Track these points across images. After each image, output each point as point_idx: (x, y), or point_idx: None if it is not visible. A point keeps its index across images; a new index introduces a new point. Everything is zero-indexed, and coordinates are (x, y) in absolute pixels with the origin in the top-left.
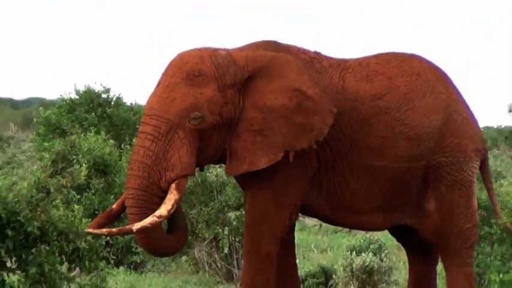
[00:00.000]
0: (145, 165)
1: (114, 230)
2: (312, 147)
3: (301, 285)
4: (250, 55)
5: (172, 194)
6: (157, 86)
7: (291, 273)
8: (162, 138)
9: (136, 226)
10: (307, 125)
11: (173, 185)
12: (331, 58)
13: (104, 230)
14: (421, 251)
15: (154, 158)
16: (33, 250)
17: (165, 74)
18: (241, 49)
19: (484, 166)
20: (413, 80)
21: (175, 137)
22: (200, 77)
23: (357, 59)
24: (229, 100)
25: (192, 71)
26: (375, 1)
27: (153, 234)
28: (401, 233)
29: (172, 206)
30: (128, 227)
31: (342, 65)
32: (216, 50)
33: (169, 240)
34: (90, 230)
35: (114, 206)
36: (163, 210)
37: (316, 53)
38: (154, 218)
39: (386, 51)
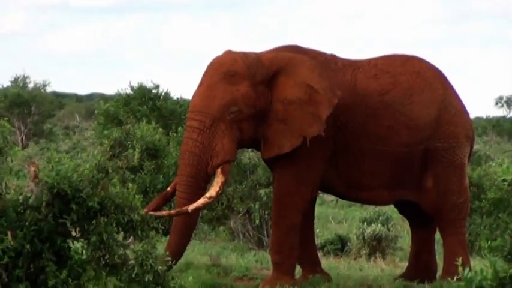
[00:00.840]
0: (194, 155)
1: (172, 212)
2: (321, 133)
3: (321, 251)
4: (273, 56)
5: (219, 177)
6: (199, 86)
7: (310, 241)
8: (206, 130)
9: (191, 207)
10: (316, 114)
11: (219, 170)
12: (344, 59)
13: (165, 213)
14: (422, 222)
15: (202, 148)
16: (94, 222)
17: (205, 75)
18: (266, 52)
19: (469, 152)
20: (414, 78)
21: (218, 128)
22: (235, 76)
23: (367, 59)
24: (260, 94)
25: (228, 71)
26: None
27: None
28: (404, 207)
29: (220, 188)
30: (184, 208)
31: (354, 65)
32: (246, 53)
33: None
34: (151, 213)
35: (168, 189)
36: (213, 192)
37: (331, 55)
38: (206, 199)
39: (391, 52)
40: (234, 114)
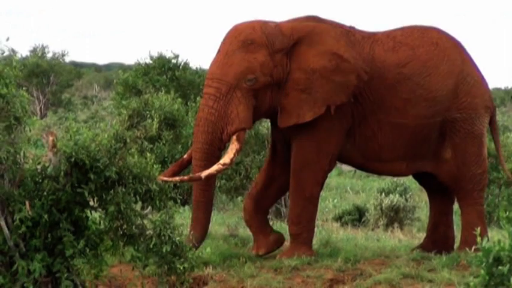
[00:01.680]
0: (210, 122)
1: (185, 177)
2: (349, 101)
3: (339, 221)
4: (294, 25)
5: (233, 144)
6: (217, 53)
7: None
8: (222, 97)
9: (205, 173)
10: (344, 82)
11: (234, 137)
12: (362, 31)
13: (177, 178)
14: (440, 192)
15: (217, 115)
16: (112, 191)
17: (223, 43)
18: (286, 21)
19: (492, 122)
20: (432, 50)
21: (234, 96)
22: (253, 45)
23: (385, 31)
24: (278, 63)
25: (246, 39)
26: None
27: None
28: (423, 178)
29: (234, 155)
30: (197, 174)
31: (372, 37)
32: (266, 22)
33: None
34: (165, 179)
35: (185, 156)
36: (227, 158)
37: (350, 27)
38: (220, 166)
39: (410, 24)
40: (250, 82)
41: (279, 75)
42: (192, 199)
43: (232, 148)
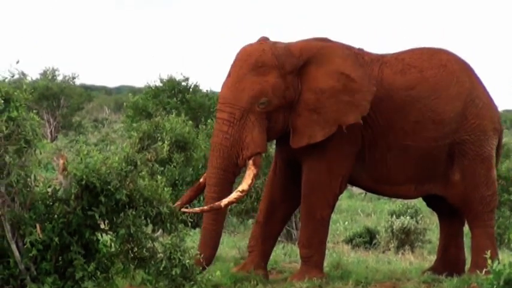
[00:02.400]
0: (225, 147)
1: (205, 208)
2: (359, 123)
3: (350, 244)
4: (303, 46)
5: (250, 169)
6: (228, 77)
7: (274, 233)
8: (237, 122)
9: (224, 202)
10: (353, 102)
11: (250, 162)
12: (371, 53)
13: (197, 209)
14: (450, 215)
15: (232, 140)
16: (122, 214)
17: (233, 67)
18: (295, 42)
19: (498, 145)
20: (441, 72)
21: (248, 120)
22: (264, 67)
23: (393, 54)
24: (290, 84)
25: (257, 62)
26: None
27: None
28: (432, 200)
29: (252, 180)
30: (217, 204)
31: (381, 59)
32: (275, 43)
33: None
34: (185, 210)
35: (201, 180)
36: (245, 185)
37: (359, 49)
38: (239, 193)
39: (419, 46)
40: (263, 105)
41: (291, 96)
42: (202, 223)
43: (250, 174)
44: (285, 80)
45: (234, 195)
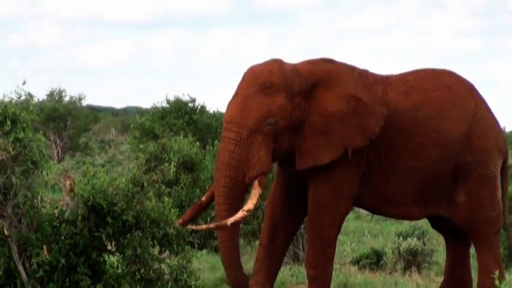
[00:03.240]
0: (232, 166)
1: (211, 225)
2: (367, 145)
3: (356, 265)
4: (312, 68)
5: (256, 189)
6: (235, 97)
7: (280, 255)
8: (243, 142)
9: (230, 221)
10: (362, 126)
11: (256, 182)
12: (376, 74)
13: (204, 226)
14: (456, 236)
15: (239, 159)
16: (129, 235)
17: (240, 87)
18: (303, 63)
19: (504, 166)
20: (445, 93)
21: (255, 140)
22: (271, 88)
23: (397, 75)
24: (297, 106)
25: (264, 83)
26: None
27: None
28: (437, 222)
29: (258, 200)
30: (223, 222)
31: (385, 80)
32: (282, 64)
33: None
34: (191, 227)
35: (203, 199)
36: (251, 205)
37: (364, 70)
38: (244, 213)
39: (424, 67)
40: (270, 126)
41: (297, 118)
42: (218, 247)
43: (256, 193)
44: (292, 101)
45: (239, 214)
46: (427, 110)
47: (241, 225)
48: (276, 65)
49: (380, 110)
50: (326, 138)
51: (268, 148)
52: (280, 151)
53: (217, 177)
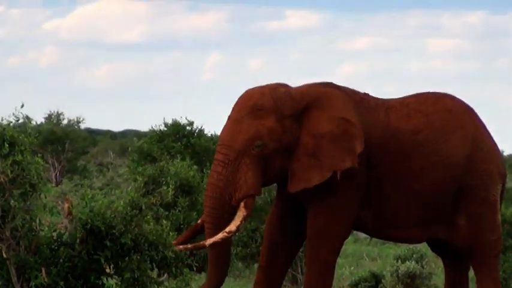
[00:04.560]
0: (218, 187)
1: (189, 245)
2: (355, 167)
3: None
4: (304, 90)
5: (241, 211)
6: (228, 120)
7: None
8: (231, 164)
9: (209, 242)
10: (351, 148)
11: (242, 204)
12: (377, 98)
13: (181, 247)
14: (455, 259)
15: (225, 181)
16: (128, 258)
17: (233, 110)
18: (298, 86)
19: (502, 190)
20: (446, 116)
21: (242, 162)
22: (262, 110)
23: (398, 98)
24: (287, 129)
25: (255, 105)
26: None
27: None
28: (437, 245)
29: (241, 222)
30: (201, 242)
31: (386, 104)
32: (276, 87)
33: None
34: (178, 247)
35: (199, 222)
36: (233, 226)
37: (365, 93)
38: (225, 234)
39: (424, 91)
40: (258, 148)
41: (288, 141)
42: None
43: (240, 215)
44: (282, 124)
45: (219, 235)
46: (428, 133)
47: (239, 248)
48: (269, 87)
49: (365, 133)
50: (316, 160)
51: (256, 171)
52: (272, 174)
53: (205, 198)
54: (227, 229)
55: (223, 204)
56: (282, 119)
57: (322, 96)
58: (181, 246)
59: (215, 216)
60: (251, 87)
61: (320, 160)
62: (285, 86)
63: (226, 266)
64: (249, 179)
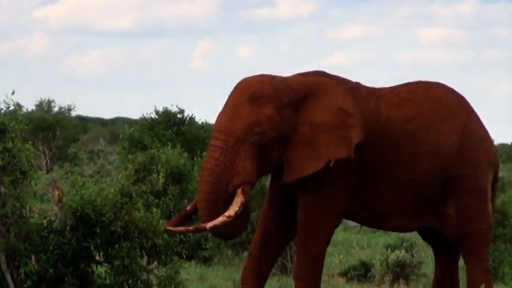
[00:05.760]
0: (215, 173)
1: (190, 228)
2: (350, 157)
3: (344, 277)
4: (302, 80)
5: (238, 197)
6: (225, 107)
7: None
8: (229, 150)
9: (210, 225)
10: (347, 137)
11: (239, 190)
12: (368, 87)
13: (182, 228)
14: (445, 248)
15: (223, 167)
16: (117, 246)
17: (231, 96)
18: (294, 76)
19: (494, 179)
20: (437, 106)
21: (241, 149)
22: (261, 99)
23: (389, 87)
24: (286, 118)
25: (255, 93)
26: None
27: (223, 227)
28: (427, 234)
29: (239, 207)
30: (202, 225)
31: (377, 93)
32: (273, 76)
33: (235, 226)
34: (169, 228)
35: (188, 208)
36: (232, 211)
37: (356, 82)
38: (224, 218)
39: (415, 80)
40: (257, 135)
41: (285, 130)
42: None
43: (238, 201)
44: (280, 113)
45: (219, 219)
46: (419, 122)
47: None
48: (267, 76)
49: (362, 123)
50: (312, 149)
51: (254, 158)
52: (269, 163)
53: (200, 183)
54: (226, 213)
55: (219, 190)
56: (280, 107)
57: (320, 86)
58: (183, 228)
59: (210, 201)
60: (240, 74)
61: (315, 149)
62: (279, 76)
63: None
64: (247, 166)
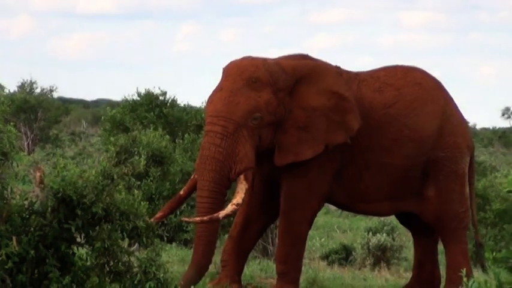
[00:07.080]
0: (217, 160)
1: (205, 218)
2: (347, 142)
3: (326, 260)
4: (296, 64)
5: (242, 184)
6: (220, 91)
7: (248, 248)
8: (230, 136)
9: (222, 214)
10: (343, 122)
11: (242, 177)
12: (348, 71)
13: (198, 219)
14: (424, 232)
15: (225, 154)
16: (98, 228)
17: (225, 80)
18: (285, 59)
19: (471, 162)
20: (417, 90)
21: (241, 135)
22: (258, 83)
23: (367, 72)
24: (281, 102)
25: (251, 78)
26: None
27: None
28: (405, 218)
29: (245, 194)
30: (215, 215)
31: (358, 77)
32: (265, 59)
33: None
34: (185, 219)
35: (181, 193)
36: (239, 198)
37: (336, 66)
38: (234, 206)
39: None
40: (256, 121)
41: (281, 114)
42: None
43: (242, 188)
44: (277, 97)
45: (230, 208)
46: (400, 106)
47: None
48: (260, 60)
49: (356, 107)
50: (308, 134)
51: (253, 143)
52: (263, 147)
53: (201, 171)
54: (235, 201)
55: (223, 178)
56: (276, 92)
57: (313, 70)
58: (198, 219)
59: (216, 191)
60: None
61: (312, 133)
62: (269, 58)
63: (214, 247)
64: (248, 152)
